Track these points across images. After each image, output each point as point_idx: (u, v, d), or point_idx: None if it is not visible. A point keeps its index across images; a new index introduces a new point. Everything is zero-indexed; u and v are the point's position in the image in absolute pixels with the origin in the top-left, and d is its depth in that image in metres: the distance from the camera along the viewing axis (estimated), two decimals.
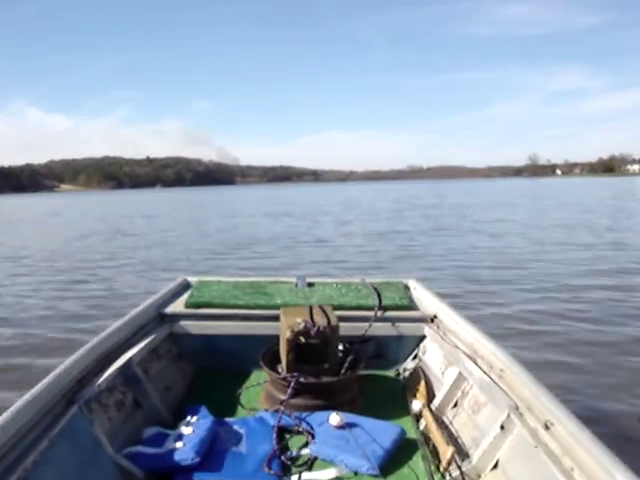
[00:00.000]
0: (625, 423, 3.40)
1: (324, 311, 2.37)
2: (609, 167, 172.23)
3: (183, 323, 2.74)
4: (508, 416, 1.77)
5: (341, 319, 2.40)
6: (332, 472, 1.84)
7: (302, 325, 2.22)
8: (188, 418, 2.14)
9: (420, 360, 2.68)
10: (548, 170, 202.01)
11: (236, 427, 2.11)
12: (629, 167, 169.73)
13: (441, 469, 1.86)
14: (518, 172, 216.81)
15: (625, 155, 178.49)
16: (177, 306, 2.83)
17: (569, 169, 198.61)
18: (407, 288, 3.09)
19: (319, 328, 2.22)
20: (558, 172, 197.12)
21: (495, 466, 1.76)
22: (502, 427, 1.78)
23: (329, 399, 2.23)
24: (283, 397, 2.20)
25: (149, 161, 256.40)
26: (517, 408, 1.78)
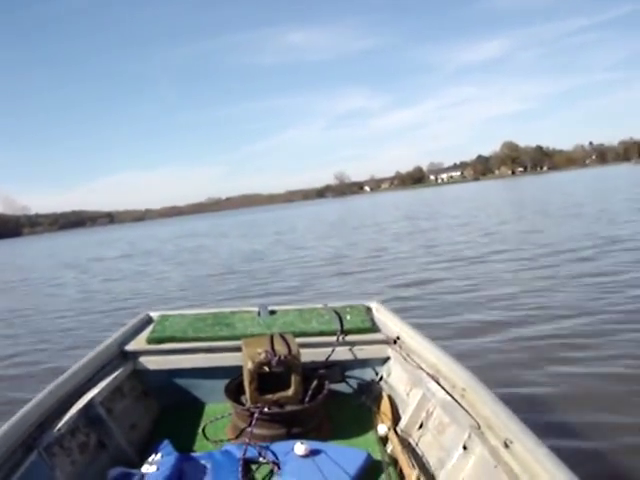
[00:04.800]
0: None
1: (285, 339, 2.38)
2: (418, 178, 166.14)
3: (146, 359, 2.70)
4: (470, 436, 1.78)
5: (304, 346, 2.40)
6: None
7: (263, 355, 2.22)
8: (152, 456, 2.10)
9: (385, 382, 2.70)
10: (355, 188, 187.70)
11: (202, 462, 2.08)
12: (439, 177, 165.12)
13: None
14: (321, 193, 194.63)
15: (436, 164, 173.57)
16: (139, 342, 2.78)
17: (377, 185, 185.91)
18: (369, 310, 3.12)
19: (280, 357, 2.22)
20: (367, 189, 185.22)
21: None
22: (465, 447, 1.78)
23: (295, 427, 2.22)
24: (248, 428, 2.19)
25: None
26: (478, 427, 1.79)
